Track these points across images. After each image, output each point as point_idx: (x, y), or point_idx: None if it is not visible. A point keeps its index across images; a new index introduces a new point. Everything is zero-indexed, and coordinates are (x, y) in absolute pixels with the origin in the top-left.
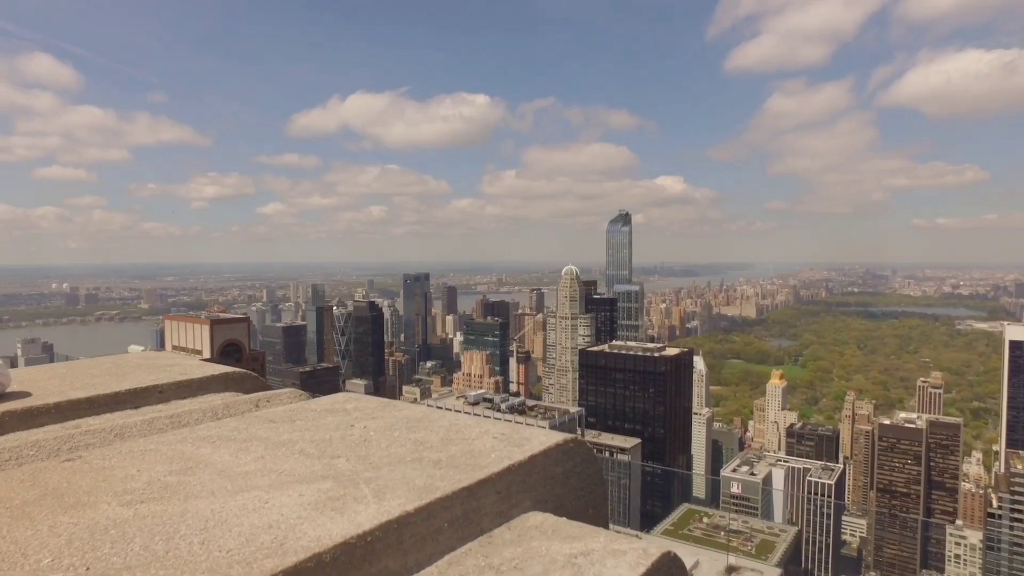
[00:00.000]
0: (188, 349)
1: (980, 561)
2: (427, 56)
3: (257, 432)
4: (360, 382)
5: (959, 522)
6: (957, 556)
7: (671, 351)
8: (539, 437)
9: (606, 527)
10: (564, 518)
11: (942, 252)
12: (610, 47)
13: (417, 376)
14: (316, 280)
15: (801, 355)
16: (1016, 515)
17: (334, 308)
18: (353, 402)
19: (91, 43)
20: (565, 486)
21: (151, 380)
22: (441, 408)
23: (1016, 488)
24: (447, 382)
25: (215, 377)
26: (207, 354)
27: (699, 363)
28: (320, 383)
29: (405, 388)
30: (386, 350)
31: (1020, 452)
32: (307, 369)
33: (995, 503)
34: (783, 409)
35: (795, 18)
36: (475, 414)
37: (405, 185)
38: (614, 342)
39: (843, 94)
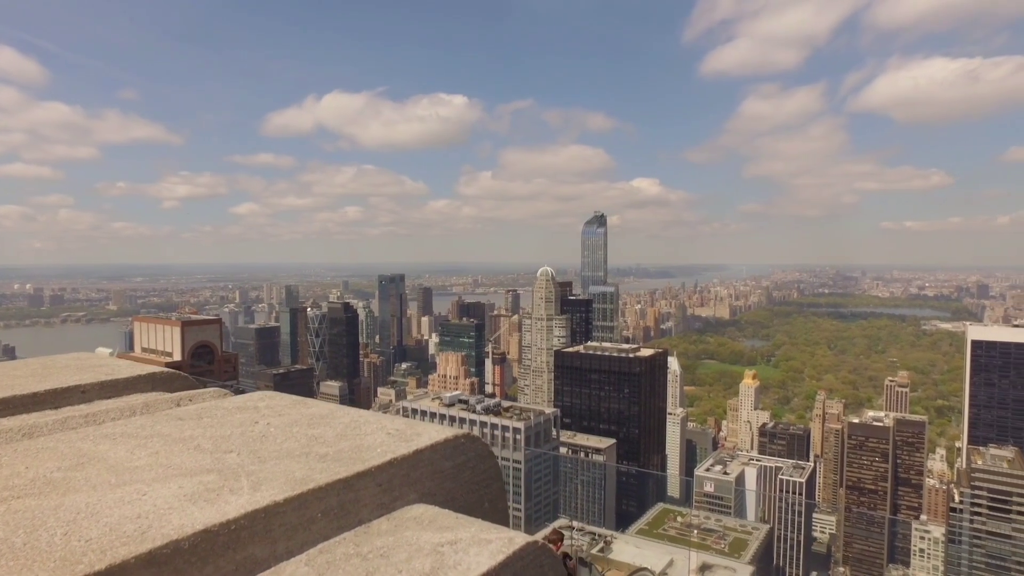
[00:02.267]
0: (158, 351)
1: (943, 554)
2: (405, 56)
3: (161, 429)
4: (334, 384)
5: (924, 517)
6: (921, 550)
7: (646, 352)
8: (430, 433)
9: (505, 522)
10: (446, 510)
11: (909, 254)
12: (588, 49)
13: (392, 378)
14: (290, 281)
15: (773, 355)
16: (976, 509)
17: (308, 309)
18: (266, 400)
19: (58, 37)
20: (457, 480)
21: (74, 380)
22: (414, 407)
23: (976, 483)
24: (422, 383)
25: (142, 377)
26: (178, 356)
27: (673, 364)
28: (293, 385)
29: (380, 390)
30: (361, 351)
31: (981, 448)
32: (280, 371)
33: (957, 498)
34: (756, 409)
35: (769, 23)
36: (449, 416)
37: (381, 185)
38: (589, 343)
39: (815, 98)
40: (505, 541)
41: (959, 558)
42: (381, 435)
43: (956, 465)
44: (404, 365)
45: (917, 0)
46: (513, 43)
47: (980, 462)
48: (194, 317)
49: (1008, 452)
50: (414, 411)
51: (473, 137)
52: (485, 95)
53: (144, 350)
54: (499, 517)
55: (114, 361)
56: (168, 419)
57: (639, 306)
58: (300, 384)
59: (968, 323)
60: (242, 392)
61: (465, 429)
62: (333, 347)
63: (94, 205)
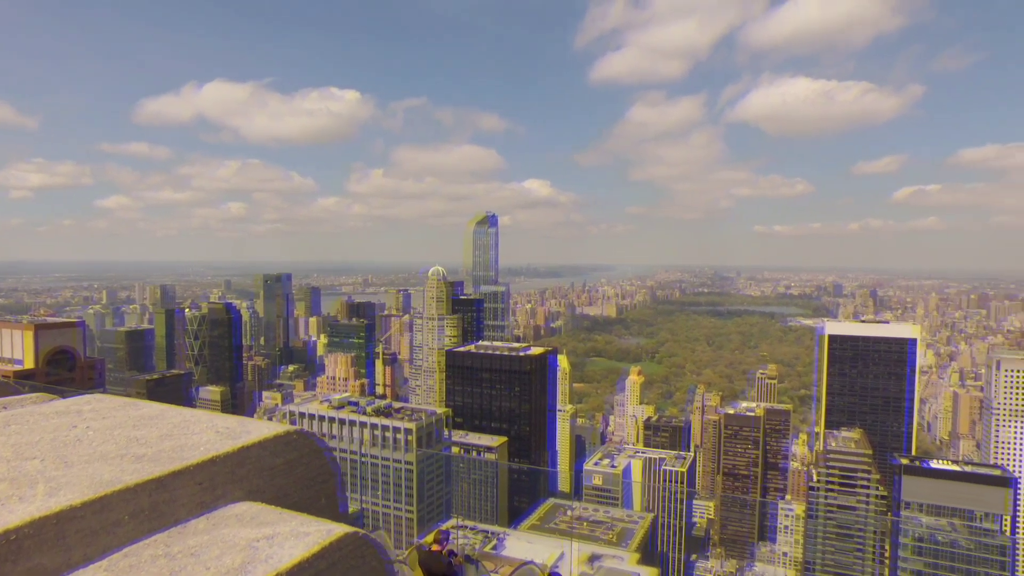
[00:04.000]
0: (4, 358)
1: (803, 529)
2: (294, 47)
3: None
4: (215, 389)
5: (787, 497)
6: (786, 527)
7: (536, 350)
8: (260, 429)
9: (337, 517)
10: (271, 507)
11: (778, 256)
12: (482, 50)
13: (278, 381)
14: (165, 280)
15: (657, 352)
16: (830, 486)
17: (186, 310)
18: (93, 403)
19: None
20: (289, 476)
21: None
22: (301, 411)
23: (831, 463)
24: (310, 386)
25: None
26: (30, 363)
27: (563, 361)
28: (169, 391)
29: (265, 394)
30: (244, 354)
31: (834, 432)
32: (154, 377)
33: (815, 477)
34: (641, 403)
35: (656, 34)
36: (339, 418)
37: (267, 181)
38: (481, 342)
39: (697, 108)
40: (324, 533)
41: (816, 531)
42: (209, 433)
43: (815, 448)
44: (290, 367)
45: (783, 24)
46: (408, 39)
47: (833, 444)
48: (50, 320)
49: (855, 434)
50: (301, 414)
51: (365, 133)
52: (378, 91)
53: None
54: (333, 512)
55: None
56: None
57: (529, 305)
58: (176, 390)
59: (825, 319)
60: None
61: (297, 426)
62: (214, 350)
63: None
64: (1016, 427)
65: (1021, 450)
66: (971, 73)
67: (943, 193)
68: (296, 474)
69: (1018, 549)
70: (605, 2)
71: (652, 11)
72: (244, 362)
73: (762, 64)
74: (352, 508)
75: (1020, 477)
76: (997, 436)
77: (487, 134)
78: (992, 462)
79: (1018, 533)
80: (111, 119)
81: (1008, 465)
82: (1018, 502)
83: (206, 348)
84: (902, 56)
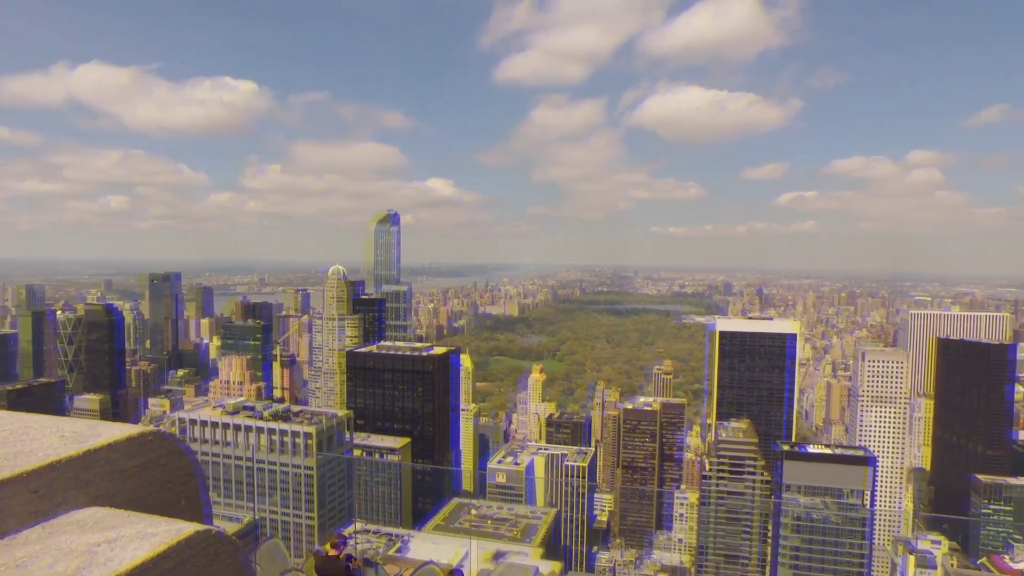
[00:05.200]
0: None
1: (696, 516)
2: (184, 31)
3: None
4: (93, 397)
5: (683, 486)
6: (681, 515)
7: (439, 350)
8: (111, 431)
9: (201, 518)
10: (119, 510)
11: (673, 256)
12: (386, 46)
13: (166, 386)
14: (32, 280)
15: (558, 349)
16: (721, 474)
17: (58, 312)
18: None
19: None
20: (143, 479)
21: None
22: (192, 418)
23: (721, 452)
24: (202, 391)
25: None
26: None
27: (466, 361)
28: (37, 401)
29: (151, 400)
30: (128, 359)
31: (724, 423)
32: (17, 386)
33: (707, 467)
34: (543, 401)
35: (559, 37)
36: (233, 424)
37: (153, 174)
38: (383, 342)
39: (598, 112)
40: (172, 532)
41: (708, 517)
42: (52, 438)
43: (707, 439)
44: (180, 372)
45: (678, 34)
46: (308, 31)
47: (724, 435)
48: None
49: (743, 424)
50: (192, 421)
51: (261, 127)
52: (276, 83)
53: None
54: (199, 515)
55: None
56: None
57: (432, 305)
58: (47, 400)
59: (716, 317)
60: None
61: (153, 427)
62: (91, 355)
63: None
64: (877, 412)
65: (880, 432)
66: (839, 91)
67: (819, 200)
68: (151, 476)
69: (875, 520)
70: (510, 4)
71: (555, 15)
72: (127, 368)
73: (659, 71)
74: (248, 517)
75: (878, 456)
76: (862, 420)
77: (390, 131)
78: (858, 444)
79: (876, 506)
80: None
81: (870, 446)
82: (876, 478)
83: (82, 353)
84: (784, 72)
